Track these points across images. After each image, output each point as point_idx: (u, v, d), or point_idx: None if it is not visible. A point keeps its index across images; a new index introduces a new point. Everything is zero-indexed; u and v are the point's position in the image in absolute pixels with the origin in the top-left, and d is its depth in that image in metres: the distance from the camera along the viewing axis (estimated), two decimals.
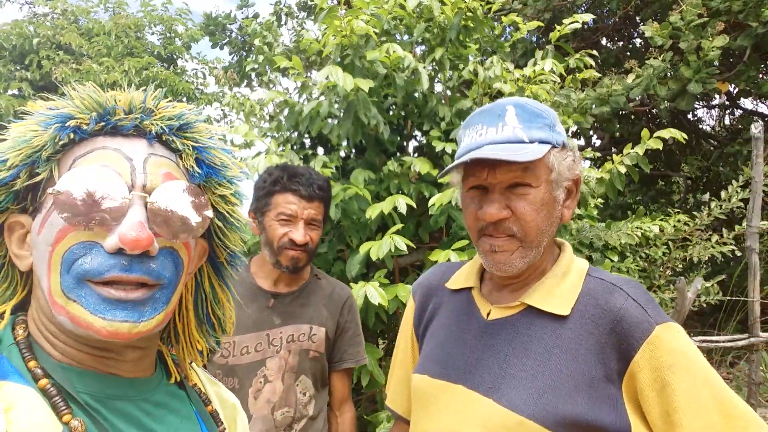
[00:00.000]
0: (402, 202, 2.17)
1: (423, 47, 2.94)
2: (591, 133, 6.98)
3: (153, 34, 4.77)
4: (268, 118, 3.61)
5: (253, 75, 3.45)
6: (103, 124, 0.70)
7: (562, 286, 1.04)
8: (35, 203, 0.70)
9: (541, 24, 3.00)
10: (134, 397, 0.73)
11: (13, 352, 0.67)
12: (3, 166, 0.68)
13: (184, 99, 4.55)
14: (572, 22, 2.91)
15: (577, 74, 3.06)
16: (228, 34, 6.67)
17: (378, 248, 2.10)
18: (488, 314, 1.09)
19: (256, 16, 3.28)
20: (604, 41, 6.98)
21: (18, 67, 4.03)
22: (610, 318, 0.98)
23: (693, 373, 0.93)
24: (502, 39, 3.32)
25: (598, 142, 7.64)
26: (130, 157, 0.70)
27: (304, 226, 1.66)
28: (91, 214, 0.65)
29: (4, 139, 0.70)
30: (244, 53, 4.93)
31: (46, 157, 0.68)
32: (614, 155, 2.89)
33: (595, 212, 3.58)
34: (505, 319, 1.06)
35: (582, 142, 7.51)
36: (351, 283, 2.28)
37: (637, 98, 4.60)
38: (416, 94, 2.61)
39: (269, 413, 1.65)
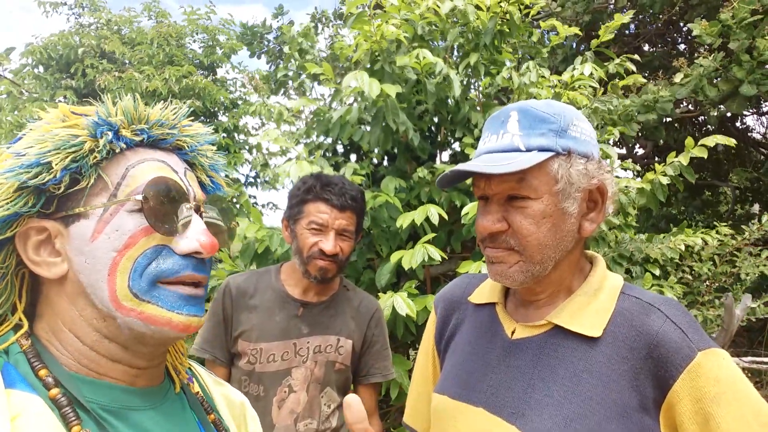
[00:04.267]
0: (434, 212, 2.12)
1: (457, 53, 2.89)
2: (634, 141, 6.77)
3: (195, 42, 4.86)
4: (303, 125, 3.63)
5: (290, 83, 3.46)
6: (145, 136, 0.73)
7: (593, 305, 0.96)
8: (64, 208, 0.68)
9: (579, 32, 2.90)
10: (145, 407, 0.72)
11: (20, 361, 0.66)
12: (45, 168, 0.65)
13: (223, 108, 4.62)
14: (611, 27, 2.82)
15: (618, 80, 2.95)
16: (265, 43, 6.78)
17: (410, 258, 2.05)
18: (513, 333, 1.02)
19: (291, 23, 3.30)
20: (646, 47, 6.77)
21: (64, 76, 4.17)
22: (646, 342, 0.89)
23: (741, 406, 0.84)
24: (539, 45, 3.24)
25: (640, 151, 7.41)
26: (175, 170, 0.74)
27: (335, 236, 1.63)
28: (171, 221, 0.71)
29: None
30: (281, 62, 4.98)
31: (93, 163, 0.68)
32: (656, 164, 2.77)
33: (633, 223, 3.45)
34: (530, 339, 0.99)
35: (623, 151, 7.30)
36: (380, 293, 2.25)
37: (684, 102, 4.42)
38: (449, 101, 2.56)
39: (292, 423, 1.62)
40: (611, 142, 6.61)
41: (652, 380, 0.87)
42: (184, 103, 4.03)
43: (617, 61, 2.88)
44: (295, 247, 1.68)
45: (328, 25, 6.30)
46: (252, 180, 4.56)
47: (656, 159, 6.09)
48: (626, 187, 2.84)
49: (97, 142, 0.68)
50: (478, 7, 2.48)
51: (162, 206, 0.70)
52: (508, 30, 2.53)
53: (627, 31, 6.39)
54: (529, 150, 0.91)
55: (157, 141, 0.74)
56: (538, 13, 3.10)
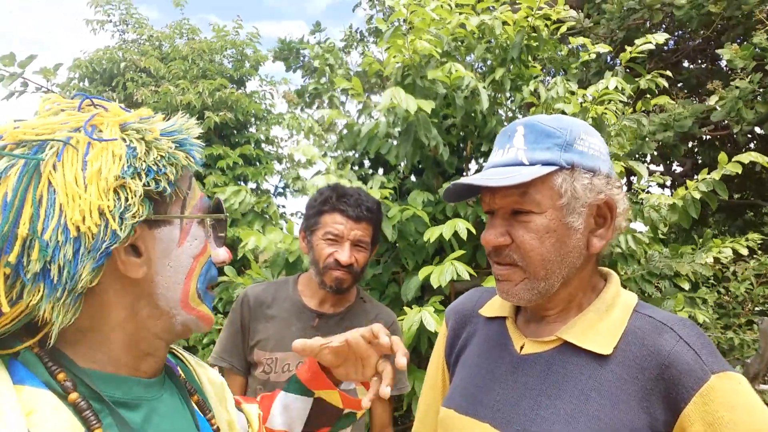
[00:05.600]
0: (462, 227, 2.11)
1: (483, 68, 2.90)
2: (670, 159, 6.62)
3: (224, 57, 5.01)
4: (335, 137, 3.68)
5: (324, 97, 3.54)
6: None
7: (604, 322, 0.94)
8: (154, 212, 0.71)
9: (610, 48, 2.87)
10: (153, 397, 0.74)
11: (29, 360, 0.65)
12: (163, 177, 0.68)
13: (253, 119, 4.73)
14: (645, 43, 2.78)
15: (648, 97, 2.91)
16: (301, 58, 6.92)
17: (439, 275, 2.04)
18: (521, 348, 1.01)
19: (328, 44, 3.36)
20: (686, 63, 6.64)
21: (106, 89, 4.35)
22: (657, 362, 0.87)
23: None
24: (571, 59, 3.22)
25: (679, 169, 7.24)
26: None
27: (350, 246, 1.65)
28: (215, 234, 0.81)
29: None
30: (325, 75, 5.08)
31: (180, 175, 0.72)
32: (688, 181, 2.71)
33: (662, 238, 3.37)
34: (539, 355, 0.97)
35: (661, 168, 7.15)
36: (405, 307, 2.25)
37: (719, 122, 4.31)
38: (476, 115, 2.57)
39: None
40: (648, 158, 6.49)
41: (663, 402, 0.85)
42: (217, 114, 4.13)
43: (648, 77, 2.84)
44: (312, 258, 1.70)
45: (362, 42, 6.40)
46: (281, 190, 4.65)
47: (695, 178, 5.94)
48: (657, 203, 2.79)
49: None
50: (505, 23, 2.49)
51: (207, 221, 0.79)
52: (535, 45, 2.53)
53: (666, 47, 6.29)
54: (532, 164, 0.91)
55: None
56: (569, 29, 3.08)
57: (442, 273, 2.04)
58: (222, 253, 0.81)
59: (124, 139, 0.67)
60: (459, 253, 2.13)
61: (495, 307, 1.12)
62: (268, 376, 1.66)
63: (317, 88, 3.15)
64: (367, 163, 3.08)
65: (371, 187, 2.45)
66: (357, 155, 3.02)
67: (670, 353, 0.86)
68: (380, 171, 3.00)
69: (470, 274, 2.13)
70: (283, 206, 4.91)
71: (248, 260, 2.69)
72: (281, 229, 2.49)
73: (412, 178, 2.96)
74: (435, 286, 2.07)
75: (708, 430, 0.81)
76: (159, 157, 0.68)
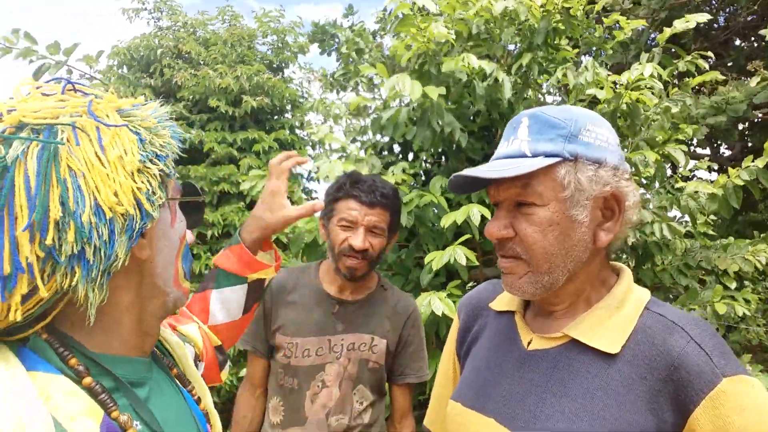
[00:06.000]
0: (476, 212, 2.09)
1: (517, 48, 2.82)
2: (717, 143, 6.32)
3: (264, 44, 5.04)
4: (366, 122, 3.67)
5: (351, 82, 3.53)
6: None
7: (613, 320, 0.91)
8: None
9: (645, 23, 2.74)
10: (151, 374, 0.76)
11: (39, 346, 0.65)
12: (166, 162, 0.71)
13: (289, 105, 4.77)
14: (684, 23, 2.64)
15: (689, 79, 2.77)
16: (335, 41, 6.91)
17: (439, 259, 2.04)
18: (529, 343, 0.99)
19: (359, 28, 3.33)
20: (737, 42, 6.29)
21: (144, 75, 4.46)
22: (666, 362, 0.84)
23: None
24: (605, 40, 3.10)
25: (727, 152, 6.91)
26: None
27: (364, 232, 1.65)
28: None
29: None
30: (351, 60, 5.06)
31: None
32: (730, 169, 2.58)
33: (709, 231, 3.23)
34: (545, 351, 0.95)
35: (707, 151, 6.84)
36: (422, 292, 2.25)
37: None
38: (501, 102, 2.51)
39: (324, 417, 1.66)
40: (695, 142, 6.21)
41: (672, 404, 0.82)
42: (254, 99, 4.18)
43: (688, 58, 2.70)
44: (329, 245, 1.72)
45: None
46: (313, 175, 4.70)
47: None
48: (696, 191, 2.67)
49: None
50: (531, 6, 2.41)
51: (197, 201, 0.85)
52: (563, 27, 2.44)
53: (716, 24, 5.97)
54: (535, 155, 0.89)
55: None
56: (605, 8, 2.94)
57: (442, 257, 2.05)
58: (190, 235, 0.85)
59: (126, 125, 0.67)
60: (465, 237, 2.11)
61: (505, 300, 1.10)
62: (288, 360, 1.69)
63: (346, 73, 3.14)
64: (397, 148, 3.06)
65: (393, 173, 2.44)
66: (386, 140, 3.01)
67: (680, 354, 0.83)
68: (410, 157, 2.98)
69: (473, 261, 2.10)
70: (315, 191, 4.97)
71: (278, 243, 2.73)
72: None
73: (442, 163, 2.93)
74: (434, 269, 2.08)
75: None
76: (163, 143, 0.70)
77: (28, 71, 3.33)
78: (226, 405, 3.64)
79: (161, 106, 0.77)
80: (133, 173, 0.64)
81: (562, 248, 0.90)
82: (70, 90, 0.69)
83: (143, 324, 0.74)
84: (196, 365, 1.01)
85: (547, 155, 0.88)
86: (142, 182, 0.65)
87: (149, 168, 0.67)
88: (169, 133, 0.73)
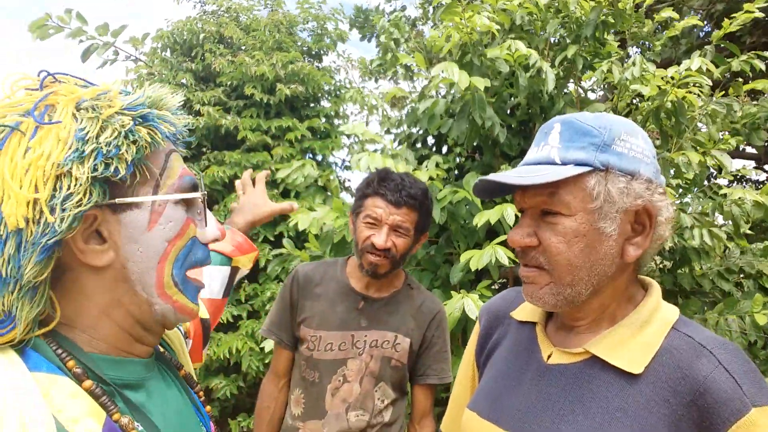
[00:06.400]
0: (510, 212, 2.04)
1: (559, 42, 2.74)
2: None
3: (304, 31, 5.02)
4: (402, 113, 3.63)
5: (388, 72, 3.49)
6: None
7: (638, 338, 0.87)
8: (113, 195, 0.66)
9: (699, 22, 2.61)
10: (151, 376, 0.74)
11: (39, 345, 0.65)
12: (117, 160, 0.63)
13: (326, 94, 4.75)
14: (745, 14, 2.50)
15: (739, 80, 2.63)
16: (376, 28, 6.86)
17: (478, 259, 2.00)
18: (549, 357, 0.96)
19: (395, 17, 3.29)
20: None
21: (186, 59, 4.51)
22: (691, 387, 0.79)
23: None
24: (655, 34, 2.98)
25: None
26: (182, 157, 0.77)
27: (388, 231, 1.63)
28: (200, 212, 0.76)
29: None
30: (388, 50, 5.06)
31: (148, 153, 0.68)
32: None
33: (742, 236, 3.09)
34: (565, 366, 0.92)
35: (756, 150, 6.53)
36: (453, 292, 2.21)
37: None
38: (542, 95, 2.44)
39: (343, 412, 1.66)
40: (741, 149, 5.94)
41: (695, 431, 0.78)
42: (289, 87, 4.19)
43: (743, 57, 2.57)
44: (354, 240, 1.71)
45: (435, 12, 6.24)
46: (348, 165, 4.68)
47: None
48: (740, 198, 2.56)
49: (151, 131, 0.68)
50: None
51: (194, 199, 0.74)
52: (612, 21, 2.35)
53: None
54: (564, 163, 0.85)
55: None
56: (660, 2, 2.82)
57: (481, 257, 2.00)
58: (212, 232, 0.77)
59: (76, 118, 0.63)
60: (503, 237, 2.06)
61: (527, 311, 1.07)
62: (311, 353, 1.69)
63: (382, 63, 3.10)
64: (431, 141, 3.03)
65: (426, 168, 2.41)
66: (420, 133, 2.97)
67: (707, 379, 0.79)
68: (444, 150, 2.94)
69: (514, 261, 2.05)
70: (349, 180, 4.94)
71: (307, 234, 2.74)
72: (343, 202, 2.50)
73: (477, 158, 2.88)
74: (473, 270, 2.03)
75: None
76: (113, 137, 0.63)
77: (78, 50, 3.41)
78: (251, 390, 3.69)
79: (159, 88, 0.72)
80: (46, 180, 0.59)
81: (587, 261, 0.86)
82: (53, 82, 0.66)
83: (131, 330, 0.71)
84: (186, 343, 0.99)
85: (578, 164, 0.84)
86: (51, 190, 0.59)
87: (72, 171, 0.60)
88: (130, 123, 0.65)
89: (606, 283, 0.89)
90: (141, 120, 0.67)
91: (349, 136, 4.47)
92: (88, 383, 0.63)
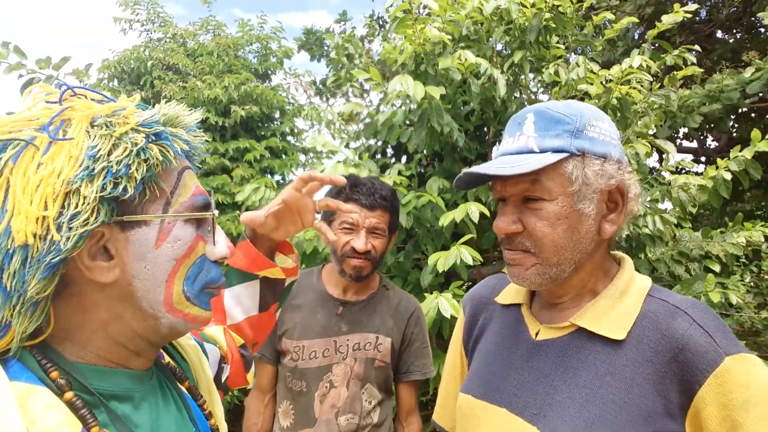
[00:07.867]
0: (474, 210, 2.11)
1: (505, 51, 2.86)
2: (704, 134, 6.40)
3: (250, 52, 5.03)
4: (359, 127, 3.67)
5: (343, 88, 3.54)
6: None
7: (618, 308, 0.94)
8: (121, 212, 0.66)
9: (636, 20, 2.78)
10: (141, 388, 0.73)
11: (23, 355, 0.64)
12: (126, 178, 0.63)
13: (278, 112, 4.77)
14: (674, 15, 2.69)
15: (676, 72, 2.81)
16: (325, 48, 6.92)
17: (445, 260, 2.06)
18: (537, 334, 1.02)
19: (348, 34, 3.34)
20: (719, 34, 6.37)
21: (135, 88, 4.45)
22: (671, 345, 0.87)
23: None
24: (594, 37, 3.14)
25: (714, 144, 6.99)
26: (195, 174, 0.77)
27: (366, 234, 1.68)
28: (209, 230, 0.75)
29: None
30: (341, 66, 5.10)
31: (160, 170, 0.68)
32: (719, 160, 2.63)
33: (688, 220, 3.27)
34: (553, 341, 0.98)
35: (694, 144, 6.92)
36: (425, 293, 2.26)
37: (759, 95, 4.13)
38: (495, 100, 2.54)
39: (333, 417, 1.68)
40: (680, 134, 6.29)
41: (678, 385, 0.85)
42: (243, 108, 4.19)
43: (676, 52, 2.75)
44: (331, 248, 1.74)
45: (382, 28, 6.37)
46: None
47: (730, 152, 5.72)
48: (685, 183, 2.72)
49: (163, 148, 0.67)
50: (522, 5, 2.44)
51: (205, 217, 0.74)
52: (554, 25, 2.47)
53: (697, 18, 6.05)
54: (542, 151, 0.91)
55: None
56: (592, 6, 2.99)
57: (447, 258, 2.06)
58: (219, 250, 0.76)
59: (89, 135, 0.63)
60: (468, 237, 2.13)
61: (511, 294, 1.13)
62: (296, 364, 1.71)
63: (337, 80, 3.16)
64: (390, 151, 3.09)
65: (389, 175, 2.46)
66: (380, 144, 3.03)
67: (684, 336, 0.86)
68: (403, 159, 3.01)
69: (495, 258, 2.13)
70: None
71: None
72: None
73: (435, 164, 2.95)
74: (440, 271, 2.09)
75: (722, 412, 0.81)
76: (125, 155, 0.63)
77: (16, 85, 3.30)
78: (229, 416, 3.62)
79: (175, 106, 0.72)
80: (55, 197, 0.59)
81: (570, 241, 0.92)
82: (71, 96, 0.67)
83: (129, 344, 0.70)
84: (221, 368, 0.99)
85: (555, 151, 0.91)
86: (60, 208, 0.60)
87: (81, 189, 0.60)
88: (143, 141, 0.64)
89: (586, 259, 0.96)
90: (154, 137, 0.66)
91: (306, 153, 4.49)
92: (69, 395, 0.63)
